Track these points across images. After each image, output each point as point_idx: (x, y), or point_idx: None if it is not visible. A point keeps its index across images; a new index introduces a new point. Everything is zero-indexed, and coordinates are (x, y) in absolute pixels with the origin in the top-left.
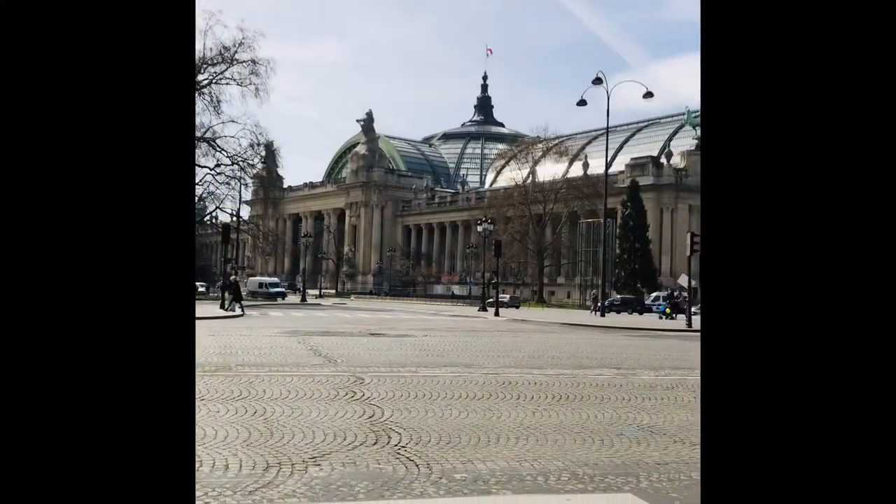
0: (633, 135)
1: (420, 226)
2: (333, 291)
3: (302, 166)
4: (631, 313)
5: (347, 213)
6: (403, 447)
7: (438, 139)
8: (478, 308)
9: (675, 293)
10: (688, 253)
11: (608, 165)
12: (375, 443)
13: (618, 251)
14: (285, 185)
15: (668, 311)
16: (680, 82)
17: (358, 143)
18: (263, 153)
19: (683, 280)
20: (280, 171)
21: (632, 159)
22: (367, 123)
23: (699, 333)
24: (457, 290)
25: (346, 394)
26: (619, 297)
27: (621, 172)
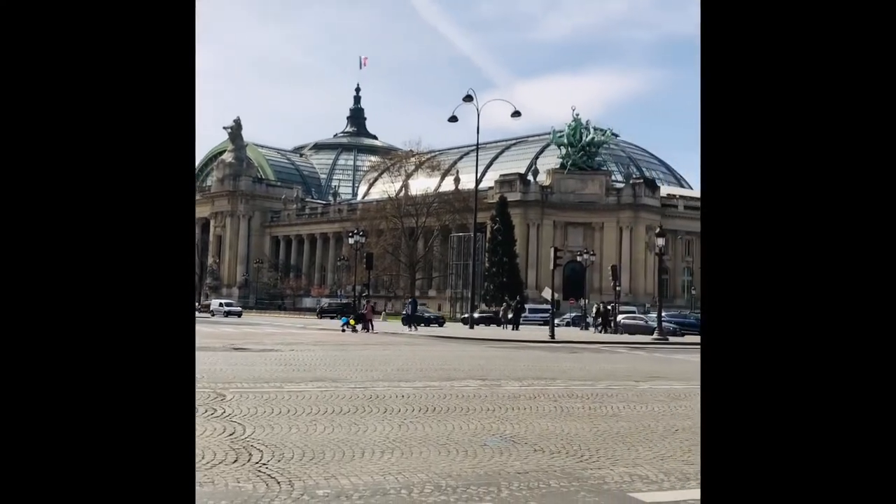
0: (501, 152)
1: (289, 237)
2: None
3: None
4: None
5: (212, 222)
6: (265, 464)
7: (310, 149)
8: None
9: (367, 303)
10: (551, 267)
11: (478, 181)
12: (235, 461)
13: (487, 264)
14: None
15: (351, 321)
16: (545, 103)
17: (224, 151)
18: None
19: (546, 293)
20: None
21: (501, 176)
22: (235, 131)
23: (560, 344)
24: (326, 303)
25: (206, 411)
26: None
27: (491, 188)
